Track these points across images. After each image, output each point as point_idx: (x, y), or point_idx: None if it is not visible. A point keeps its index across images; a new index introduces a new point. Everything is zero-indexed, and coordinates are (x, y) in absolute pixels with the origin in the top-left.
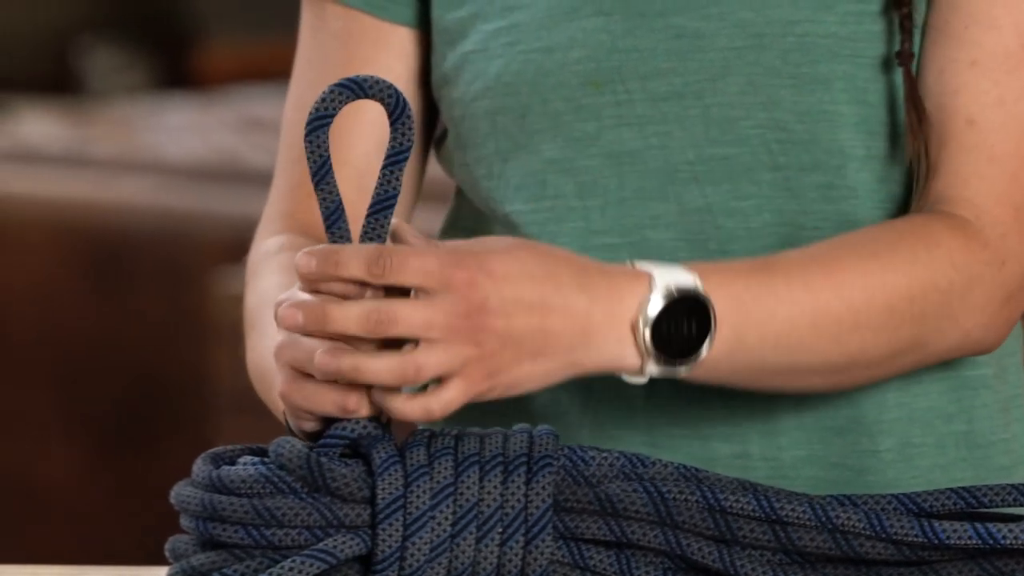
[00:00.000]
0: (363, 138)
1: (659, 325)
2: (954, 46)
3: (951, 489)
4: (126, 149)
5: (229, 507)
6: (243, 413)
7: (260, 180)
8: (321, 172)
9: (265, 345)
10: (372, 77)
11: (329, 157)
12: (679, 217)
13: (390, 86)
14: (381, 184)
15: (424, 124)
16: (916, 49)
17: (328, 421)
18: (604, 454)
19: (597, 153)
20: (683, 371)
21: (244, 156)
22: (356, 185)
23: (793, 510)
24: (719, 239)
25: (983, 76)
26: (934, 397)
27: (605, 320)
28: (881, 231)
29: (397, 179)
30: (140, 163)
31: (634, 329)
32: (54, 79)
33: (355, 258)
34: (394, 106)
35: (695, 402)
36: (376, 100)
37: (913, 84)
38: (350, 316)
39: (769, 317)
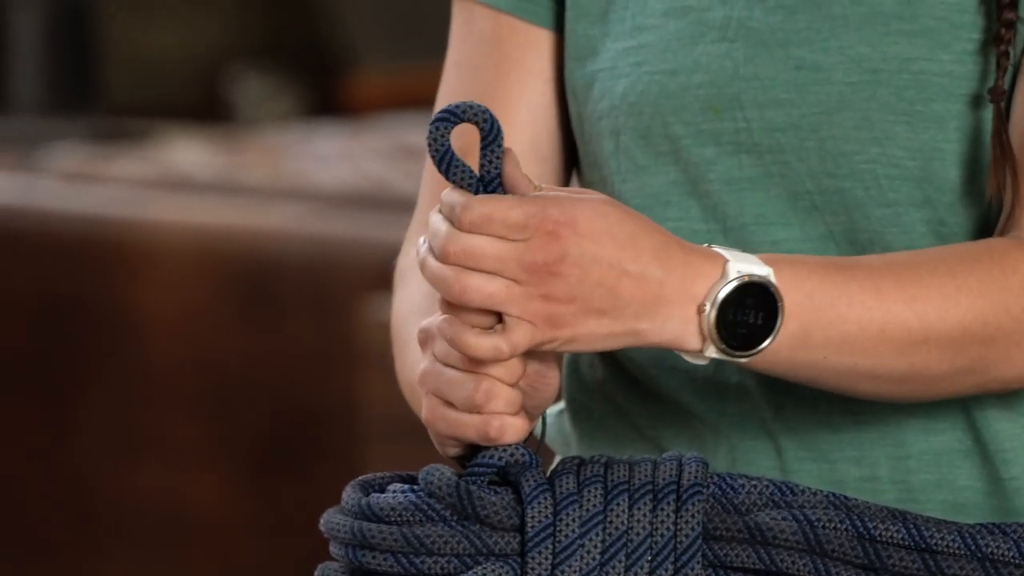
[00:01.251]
0: (513, 139)
1: (725, 311)
2: None
3: None
4: (276, 176)
5: (379, 535)
6: (393, 440)
7: (410, 207)
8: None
9: (412, 359)
10: (466, 103)
11: (476, 177)
12: (802, 244)
13: (484, 110)
14: None
15: (566, 133)
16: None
17: (474, 447)
18: (753, 482)
19: (716, 178)
20: (742, 360)
21: (394, 183)
22: None
23: (943, 538)
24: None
25: None
26: None
27: (675, 296)
28: (960, 251)
29: None
30: (290, 190)
31: (700, 310)
32: (205, 107)
33: (445, 206)
34: (488, 130)
35: (824, 425)
36: (471, 124)
37: (1001, 120)
38: (439, 234)
39: (838, 319)
